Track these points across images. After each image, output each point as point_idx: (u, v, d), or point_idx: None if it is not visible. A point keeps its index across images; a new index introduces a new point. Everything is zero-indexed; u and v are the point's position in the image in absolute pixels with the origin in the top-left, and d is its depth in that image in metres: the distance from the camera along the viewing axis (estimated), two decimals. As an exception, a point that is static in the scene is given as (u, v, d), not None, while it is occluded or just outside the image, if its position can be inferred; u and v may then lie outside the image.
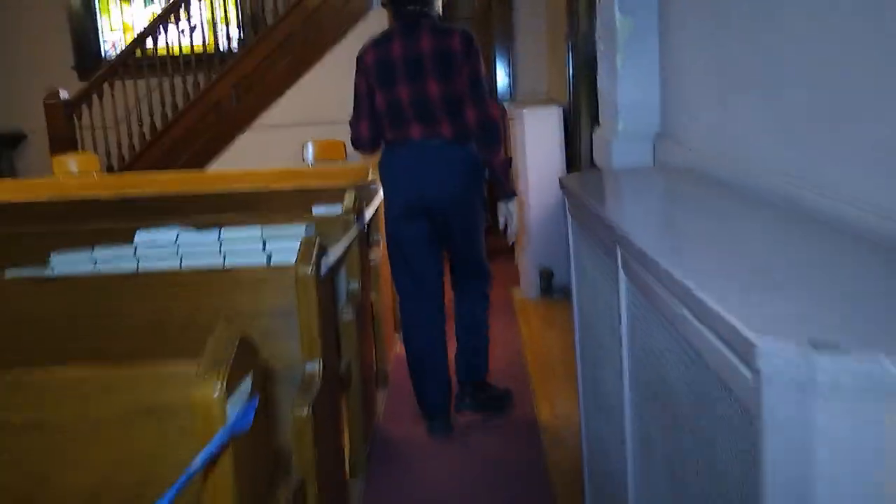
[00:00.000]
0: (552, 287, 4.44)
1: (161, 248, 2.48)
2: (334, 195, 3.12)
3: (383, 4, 2.92)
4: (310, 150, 6.10)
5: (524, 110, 4.31)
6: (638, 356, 1.37)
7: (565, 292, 4.46)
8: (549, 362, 3.54)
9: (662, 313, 1.16)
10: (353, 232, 2.68)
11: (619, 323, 1.50)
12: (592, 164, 4.23)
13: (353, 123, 2.93)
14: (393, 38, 2.78)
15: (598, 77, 2.79)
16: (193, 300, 2.06)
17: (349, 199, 2.78)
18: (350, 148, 6.33)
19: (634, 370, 1.41)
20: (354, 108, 2.90)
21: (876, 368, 0.68)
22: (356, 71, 2.86)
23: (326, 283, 2.17)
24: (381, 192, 3.56)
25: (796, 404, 0.71)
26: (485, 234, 2.98)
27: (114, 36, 6.89)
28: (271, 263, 2.39)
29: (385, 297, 3.64)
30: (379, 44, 2.81)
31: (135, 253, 2.47)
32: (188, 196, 3.52)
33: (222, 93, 6.13)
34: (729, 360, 0.84)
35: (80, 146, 6.12)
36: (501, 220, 2.95)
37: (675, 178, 2.04)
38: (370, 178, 3.59)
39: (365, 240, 3.10)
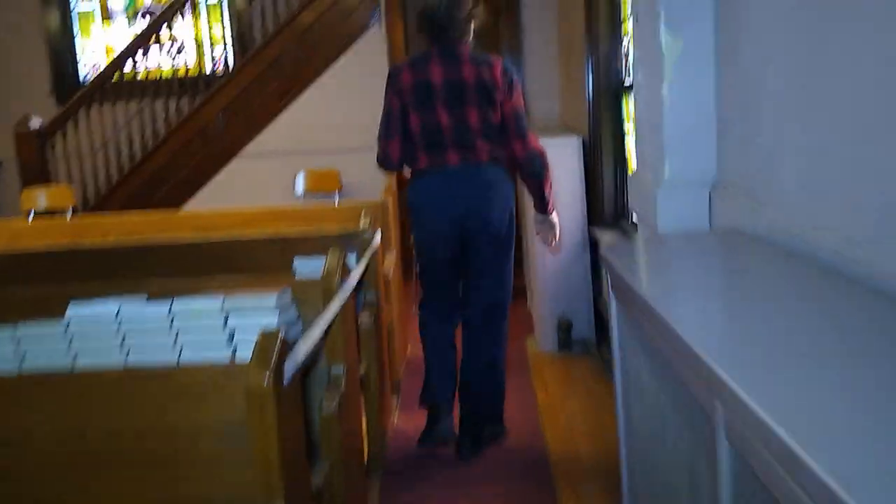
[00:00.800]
0: (571, 340, 3.93)
1: (98, 325, 2.00)
2: (320, 244, 2.78)
3: (420, 30, 2.85)
4: (301, 182, 5.62)
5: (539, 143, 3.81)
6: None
7: (586, 346, 3.94)
8: (571, 439, 3.02)
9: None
10: (336, 302, 2.18)
11: (716, 497, 0.98)
12: (619, 207, 3.83)
13: (383, 142, 2.85)
14: (431, 61, 2.76)
15: (636, 108, 2.29)
16: (112, 410, 1.56)
17: (332, 259, 2.27)
18: (347, 178, 5.88)
19: None
20: (385, 126, 2.83)
21: None
22: (388, 88, 2.82)
23: (293, 391, 1.65)
24: (376, 241, 3.06)
25: None
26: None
27: (95, 58, 6.43)
28: (234, 342, 1.92)
29: (396, 308, 3.57)
30: (416, 66, 2.78)
31: (66, 331, 1.99)
32: (153, 247, 3.05)
33: (208, 118, 5.65)
34: None
35: (54, 177, 5.64)
36: (538, 229, 3.05)
37: (759, 255, 1.52)
38: (361, 224, 3.07)
39: (379, 252, 3.00)
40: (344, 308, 2.27)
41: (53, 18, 6.23)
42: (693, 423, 1.05)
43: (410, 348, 4.05)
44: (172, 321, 2.05)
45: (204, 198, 5.71)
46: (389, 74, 2.85)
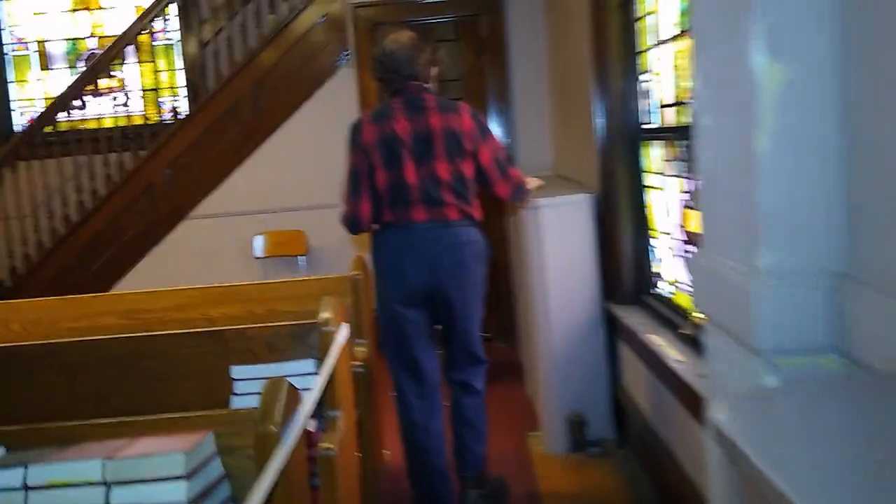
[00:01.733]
0: (585, 440, 3.22)
1: None
2: (268, 342, 2.29)
3: (377, 76, 2.75)
4: (260, 244, 4.90)
5: (541, 202, 3.15)
6: None
7: (605, 448, 3.23)
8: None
9: None
10: (276, 461, 1.46)
11: None
12: (641, 277, 3.03)
13: (351, 203, 2.71)
14: (394, 113, 2.64)
15: (701, 164, 1.64)
16: None
17: (271, 394, 1.56)
18: (314, 239, 5.18)
19: None
20: (352, 186, 2.70)
21: None
22: (352, 147, 2.70)
23: None
24: (342, 335, 2.35)
25: None
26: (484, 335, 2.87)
27: (32, 109, 5.72)
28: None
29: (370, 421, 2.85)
30: (378, 119, 2.66)
31: None
32: (52, 347, 2.35)
33: (154, 174, 4.95)
34: None
35: (-23, 243, 4.90)
36: None
37: None
38: (321, 314, 2.34)
39: (345, 350, 2.29)
40: (291, 461, 1.55)
41: (-19, 64, 5.53)
42: None
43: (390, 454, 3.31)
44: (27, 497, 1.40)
45: (149, 265, 4.97)
46: (352, 131, 2.71)
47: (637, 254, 3.06)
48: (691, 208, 2.52)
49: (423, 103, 2.62)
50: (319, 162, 4.83)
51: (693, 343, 2.42)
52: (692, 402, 2.21)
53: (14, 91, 5.69)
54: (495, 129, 4.92)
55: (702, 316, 1.73)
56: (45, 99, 5.64)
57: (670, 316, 2.73)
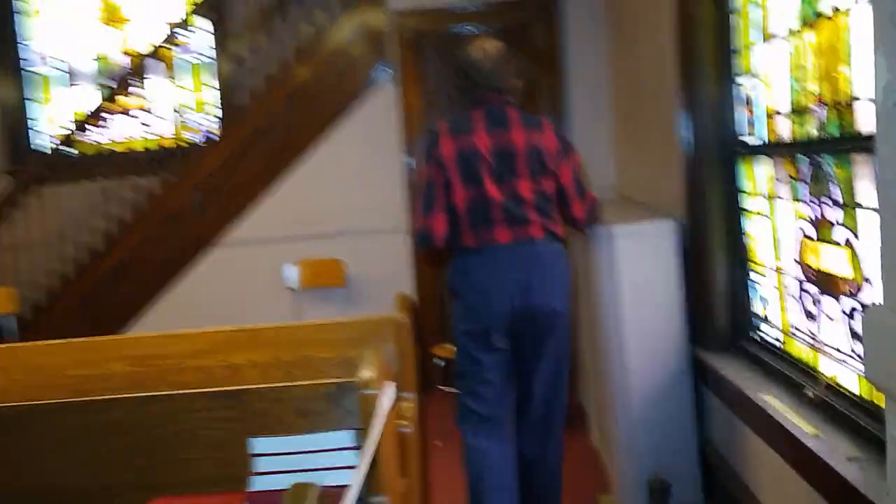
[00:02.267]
0: (669, 508, 2.73)
1: None
2: (295, 406, 1.86)
3: (460, 86, 2.57)
4: (293, 274, 4.51)
5: (614, 227, 2.69)
6: None
7: (694, 519, 2.73)
8: None
9: None
10: None
11: None
12: (738, 320, 2.54)
13: (425, 217, 2.50)
14: (475, 126, 2.48)
15: (883, 186, 1.17)
16: None
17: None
18: (353, 269, 4.75)
19: None
20: (426, 200, 2.50)
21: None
22: (428, 160, 2.52)
23: None
24: (386, 399, 1.91)
25: None
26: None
27: (56, 129, 5.43)
28: None
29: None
30: (457, 131, 2.49)
31: None
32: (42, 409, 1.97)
33: (181, 198, 4.60)
34: None
35: (-2, 273, 4.60)
36: None
37: None
38: (364, 373, 1.90)
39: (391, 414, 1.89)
40: None
41: (5, 82, 5.25)
42: None
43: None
44: None
45: (175, 297, 4.61)
46: (427, 142, 2.53)
47: (733, 291, 2.58)
48: (814, 239, 2.04)
49: (506, 118, 2.47)
50: (358, 184, 4.45)
51: (823, 409, 1.94)
52: (824, 484, 1.74)
53: (37, 110, 5.41)
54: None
55: (876, 388, 1.26)
56: (75, 120, 5.36)
57: (781, 368, 2.25)
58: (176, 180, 4.60)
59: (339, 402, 1.91)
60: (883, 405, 1.34)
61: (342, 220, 4.49)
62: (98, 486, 1.92)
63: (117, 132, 4.97)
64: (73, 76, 5.39)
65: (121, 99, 4.66)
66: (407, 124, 4.46)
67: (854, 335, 1.85)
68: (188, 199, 4.58)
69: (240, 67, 4.79)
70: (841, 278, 1.88)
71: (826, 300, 1.98)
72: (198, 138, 4.99)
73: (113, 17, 5.36)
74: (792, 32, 2.06)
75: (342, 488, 1.48)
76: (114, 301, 4.62)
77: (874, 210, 1.54)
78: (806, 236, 2.09)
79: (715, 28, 2.51)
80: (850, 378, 1.88)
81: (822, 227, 1.98)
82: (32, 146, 5.27)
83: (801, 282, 2.14)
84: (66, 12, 5.31)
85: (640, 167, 3.63)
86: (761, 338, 2.47)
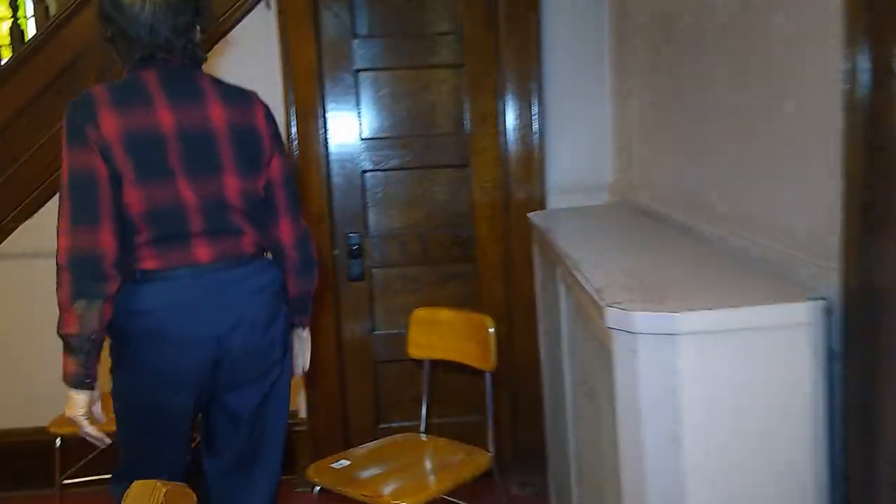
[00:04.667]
0: None
1: None
2: None
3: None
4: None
5: (680, 317, 1.17)
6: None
7: None
8: None
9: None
10: None
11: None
12: None
13: (80, 231, 1.75)
14: (153, 96, 1.81)
15: None
16: None
17: None
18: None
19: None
20: (79, 204, 1.76)
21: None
22: (75, 142, 1.75)
23: None
24: None
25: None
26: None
27: None
28: None
29: None
30: (124, 102, 1.79)
31: None
32: None
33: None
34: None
35: None
36: (296, 349, 2.15)
37: None
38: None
39: None
40: None
41: None
42: None
43: None
44: None
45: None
46: (75, 114, 1.76)
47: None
48: None
49: (198, 87, 1.85)
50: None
51: None
52: None
53: None
54: (512, 122, 2.99)
55: None
56: None
57: None
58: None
59: None
60: None
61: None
62: None
63: None
64: None
65: None
66: (287, 65, 2.89)
67: None
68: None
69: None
70: None
71: None
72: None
73: None
74: None
75: None
76: None
77: None
78: None
79: None
80: None
81: None
82: None
83: None
84: None
85: (659, 157, 2.16)
86: None
